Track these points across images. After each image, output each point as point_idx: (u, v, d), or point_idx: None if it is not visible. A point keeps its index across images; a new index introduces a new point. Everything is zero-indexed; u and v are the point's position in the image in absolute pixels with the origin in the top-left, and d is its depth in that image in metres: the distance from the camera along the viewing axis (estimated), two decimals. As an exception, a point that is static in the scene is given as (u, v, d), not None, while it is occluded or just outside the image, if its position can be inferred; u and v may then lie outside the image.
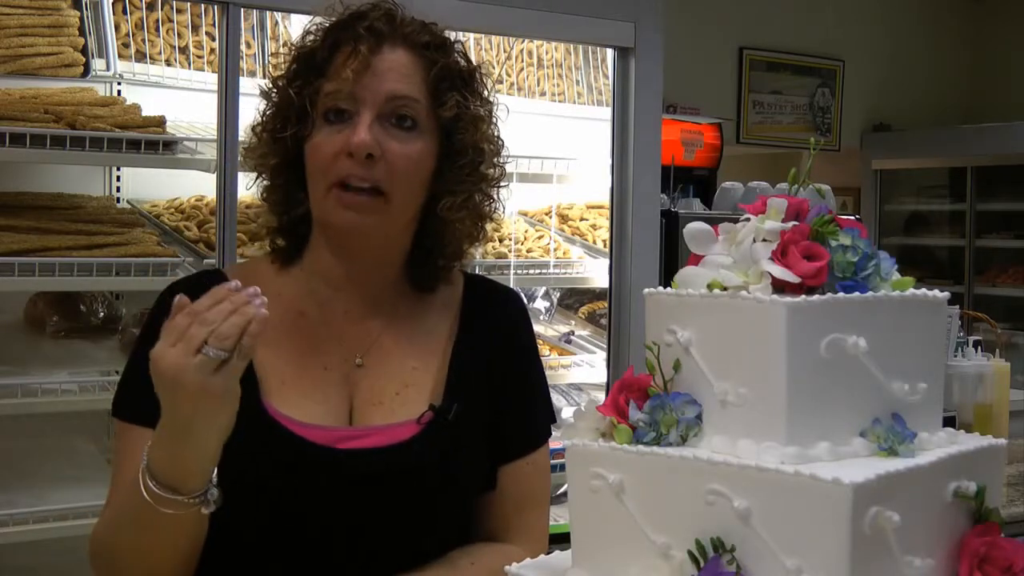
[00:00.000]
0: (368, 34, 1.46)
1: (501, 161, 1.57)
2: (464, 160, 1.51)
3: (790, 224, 1.14)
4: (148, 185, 3.19)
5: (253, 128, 1.55)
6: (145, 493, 1.30)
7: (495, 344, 1.59)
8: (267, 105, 1.53)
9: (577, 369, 3.53)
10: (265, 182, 1.54)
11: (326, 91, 1.46)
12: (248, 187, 1.60)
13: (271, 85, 1.52)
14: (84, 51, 2.95)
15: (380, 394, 1.51)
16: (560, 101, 3.73)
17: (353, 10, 1.50)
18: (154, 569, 1.39)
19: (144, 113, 2.89)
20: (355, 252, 1.52)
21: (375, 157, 1.43)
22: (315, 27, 1.51)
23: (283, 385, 1.48)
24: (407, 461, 1.47)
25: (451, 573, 1.49)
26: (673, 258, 3.84)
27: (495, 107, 1.56)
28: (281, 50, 1.57)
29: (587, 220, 3.69)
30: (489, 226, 1.60)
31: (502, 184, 1.58)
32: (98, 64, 2.99)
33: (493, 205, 1.57)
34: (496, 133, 1.56)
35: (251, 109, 1.58)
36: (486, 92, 1.55)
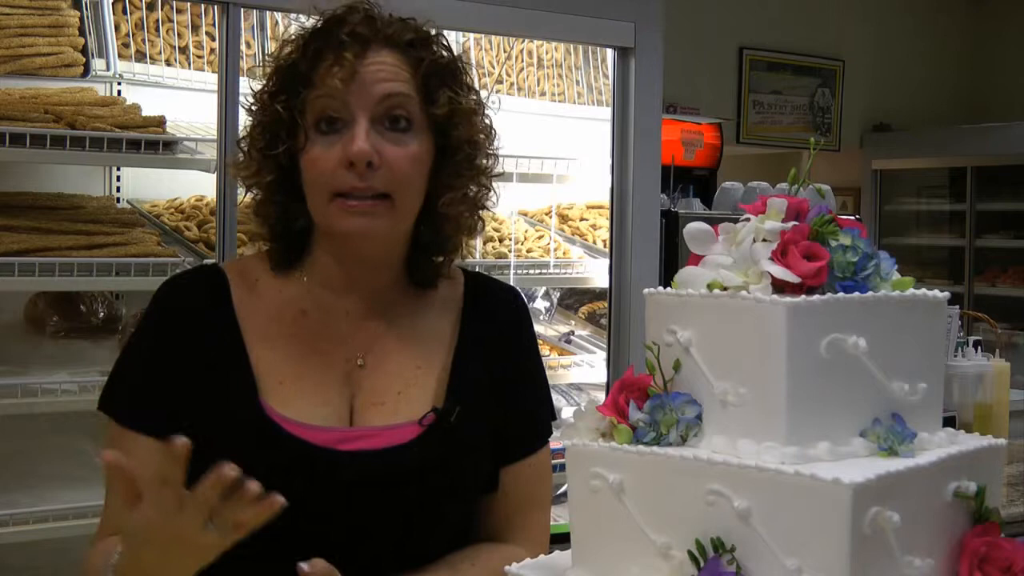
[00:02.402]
0: (351, 40, 1.44)
1: (494, 150, 1.56)
2: (461, 156, 1.50)
3: (790, 224, 1.14)
4: (148, 185, 3.19)
5: (238, 143, 1.53)
6: None
7: (498, 343, 1.58)
8: (252, 120, 1.51)
9: (577, 369, 3.52)
10: (259, 197, 1.52)
11: (316, 102, 1.44)
12: (243, 198, 1.58)
13: (254, 100, 1.50)
14: (84, 51, 2.95)
15: (382, 394, 1.50)
16: (560, 101, 3.73)
17: (330, 15, 1.48)
18: None
19: (144, 113, 2.88)
20: (359, 256, 1.50)
21: (375, 165, 1.42)
22: (293, 37, 1.49)
23: (281, 385, 1.47)
24: (408, 464, 1.46)
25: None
26: (673, 258, 3.84)
27: (483, 96, 1.55)
28: (263, 58, 1.54)
29: (587, 220, 3.69)
30: (487, 216, 1.58)
31: (496, 171, 1.56)
32: (98, 64, 2.98)
33: (489, 195, 1.56)
34: (489, 123, 1.55)
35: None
36: (471, 81, 1.54)
